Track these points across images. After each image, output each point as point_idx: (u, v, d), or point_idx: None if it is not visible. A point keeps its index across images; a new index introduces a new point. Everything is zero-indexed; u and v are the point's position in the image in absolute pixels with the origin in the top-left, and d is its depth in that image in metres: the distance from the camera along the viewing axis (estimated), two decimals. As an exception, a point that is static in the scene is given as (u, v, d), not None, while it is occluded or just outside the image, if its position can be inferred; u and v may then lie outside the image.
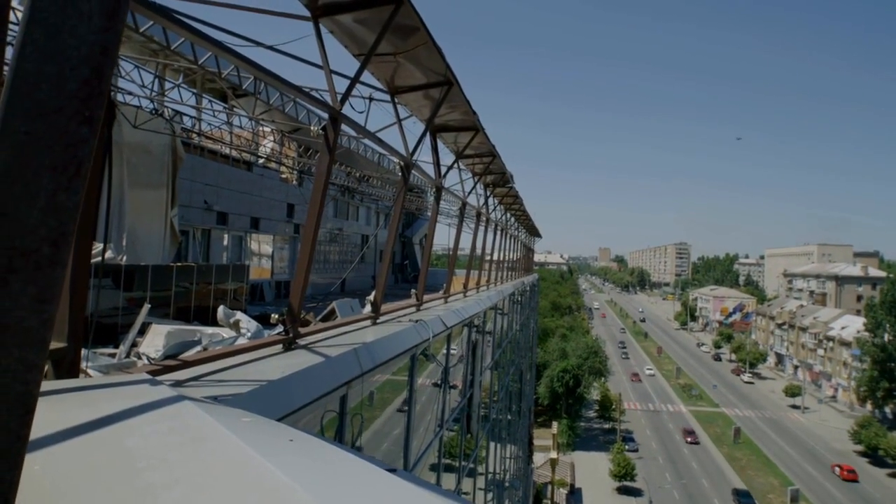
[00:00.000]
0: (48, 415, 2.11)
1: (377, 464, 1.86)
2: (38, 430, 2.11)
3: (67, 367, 3.23)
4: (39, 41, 0.66)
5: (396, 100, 9.63)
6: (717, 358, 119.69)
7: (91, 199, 3.28)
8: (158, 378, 3.52)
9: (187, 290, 19.15)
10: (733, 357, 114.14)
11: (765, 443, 71.01)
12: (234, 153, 29.12)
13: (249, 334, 9.81)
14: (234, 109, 25.47)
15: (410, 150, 9.57)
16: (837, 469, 62.21)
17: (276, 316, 6.09)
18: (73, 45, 0.69)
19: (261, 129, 28.90)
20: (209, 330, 9.62)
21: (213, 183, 26.76)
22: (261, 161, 31.13)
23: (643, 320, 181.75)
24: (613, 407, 75.47)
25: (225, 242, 28.98)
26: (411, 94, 9.64)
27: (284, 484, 1.51)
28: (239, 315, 10.12)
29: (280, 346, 5.74)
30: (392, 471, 1.84)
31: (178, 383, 3.96)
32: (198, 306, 19.10)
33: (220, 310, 9.56)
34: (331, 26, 6.72)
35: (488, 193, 18.38)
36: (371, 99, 10.99)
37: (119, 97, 19.58)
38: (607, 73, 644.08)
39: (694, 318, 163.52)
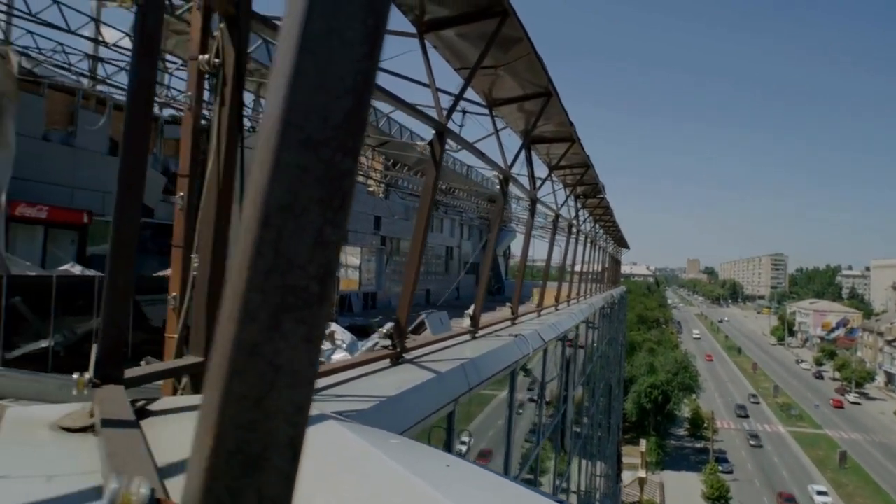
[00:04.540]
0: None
1: (542, 494, 1.77)
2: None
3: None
4: (309, 72, 0.61)
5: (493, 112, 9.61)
6: (819, 376, 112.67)
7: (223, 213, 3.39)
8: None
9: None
10: (837, 375, 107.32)
11: (874, 469, 66.10)
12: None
13: (345, 345, 9.99)
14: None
15: (508, 162, 9.51)
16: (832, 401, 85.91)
17: (384, 330, 6.12)
18: (337, 75, 0.63)
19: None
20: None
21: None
22: (349, 175, 31.91)
23: (721, 321, 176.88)
24: (705, 425, 72.37)
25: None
26: (507, 106, 9.61)
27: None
28: (334, 326, 10.32)
29: (388, 360, 5.77)
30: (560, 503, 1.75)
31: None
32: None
33: (316, 321, 9.74)
34: (435, 41, 6.78)
35: (579, 205, 18.08)
36: (465, 112, 11.05)
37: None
38: (670, 81, 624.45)
39: (792, 334, 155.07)
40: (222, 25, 3.29)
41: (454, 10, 6.27)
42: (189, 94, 3.44)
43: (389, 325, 6.02)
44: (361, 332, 12.82)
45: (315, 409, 2.68)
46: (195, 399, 3.04)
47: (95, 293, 14.02)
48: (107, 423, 2.06)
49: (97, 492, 1.74)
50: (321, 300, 0.69)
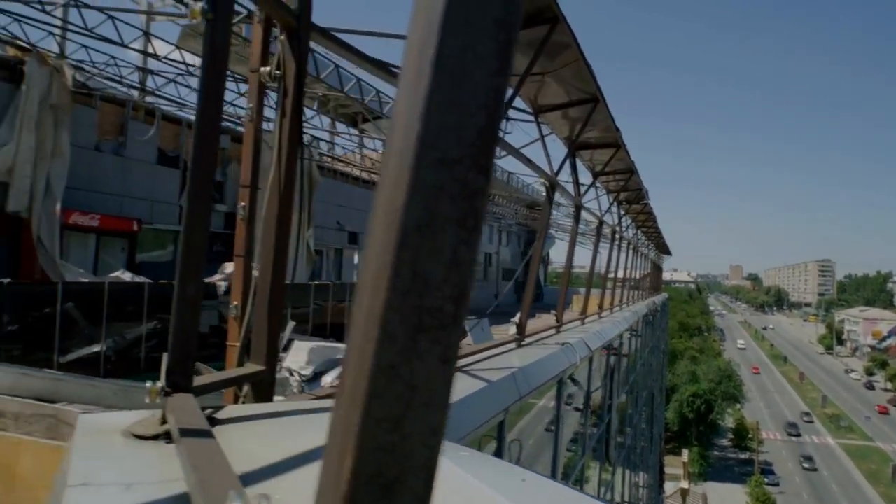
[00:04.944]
0: (285, 441, 2.15)
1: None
2: (275, 454, 2.17)
3: (265, 389, 3.36)
4: (445, 89, 0.60)
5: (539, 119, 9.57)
6: (870, 386, 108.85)
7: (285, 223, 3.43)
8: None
9: (322, 307, 20.07)
10: (889, 386, 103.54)
11: (931, 484, 63.46)
12: (365, 175, 30.31)
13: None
14: (365, 133, 26.57)
15: (554, 168, 9.46)
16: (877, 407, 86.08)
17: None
18: (470, 91, 0.62)
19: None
20: (349, 347, 9.95)
21: (345, 204, 27.92)
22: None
23: (765, 329, 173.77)
24: (750, 436, 70.53)
25: (356, 261, 30.12)
26: (552, 113, 9.56)
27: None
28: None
29: (437, 368, 5.76)
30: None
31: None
32: (333, 323, 19.96)
33: (359, 327, 9.82)
34: (483, 49, 6.76)
35: (622, 211, 17.86)
36: (508, 119, 11.01)
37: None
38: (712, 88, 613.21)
39: (841, 342, 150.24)
40: (282, 38, 3.33)
41: (504, 17, 6.25)
42: (250, 105, 3.50)
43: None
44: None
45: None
46: (260, 407, 3.07)
47: (145, 299, 14.38)
48: (185, 432, 2.09)
49: (180, 500, 1.76)
50: (455, 321, 0.68)
